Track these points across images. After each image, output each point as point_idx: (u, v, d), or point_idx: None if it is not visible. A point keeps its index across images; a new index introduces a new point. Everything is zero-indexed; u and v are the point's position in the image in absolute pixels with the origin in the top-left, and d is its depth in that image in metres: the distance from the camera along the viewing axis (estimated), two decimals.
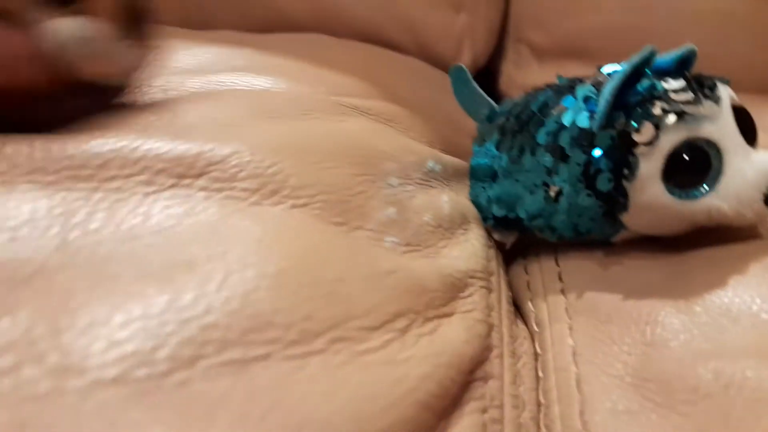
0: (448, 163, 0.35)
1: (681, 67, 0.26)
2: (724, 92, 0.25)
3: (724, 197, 0.24)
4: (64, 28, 0.24)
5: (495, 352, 0.23)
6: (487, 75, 0.68)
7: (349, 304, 0.20)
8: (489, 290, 0.27)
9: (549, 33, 0.63)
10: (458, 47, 0.62)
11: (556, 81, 0.30)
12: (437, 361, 0.19)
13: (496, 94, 0.68)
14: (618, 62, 0.28)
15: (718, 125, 0.24)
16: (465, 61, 0.62)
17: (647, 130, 0.24)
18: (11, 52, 0.23)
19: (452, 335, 0.21)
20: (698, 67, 0.73)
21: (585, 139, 0.25)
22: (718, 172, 0.25)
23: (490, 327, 0.24)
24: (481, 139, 0.33)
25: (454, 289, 0.24)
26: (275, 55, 0.42)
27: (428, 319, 0.22)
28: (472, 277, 0.26)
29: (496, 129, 0.31)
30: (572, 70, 0.67)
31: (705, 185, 0.25)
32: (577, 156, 0.25)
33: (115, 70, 0.26)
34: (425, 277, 0.23)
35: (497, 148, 0.31)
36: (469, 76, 0.35)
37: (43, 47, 0.23)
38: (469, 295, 0.25)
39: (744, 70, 0.59)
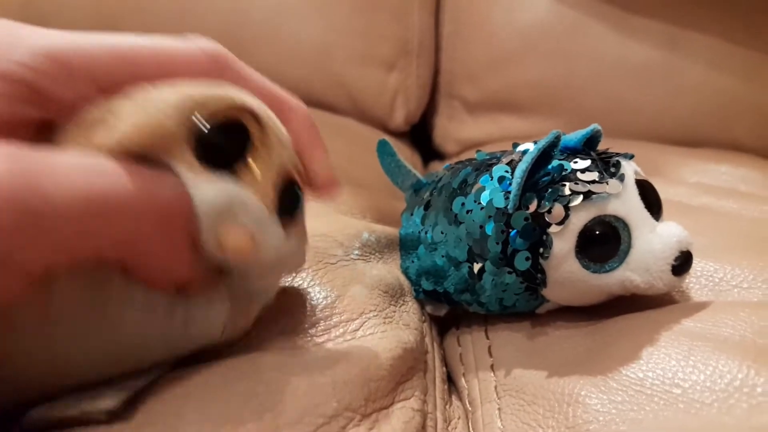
0: (381, 233, 0.36)
1: (587, 145, 0.27)
2: (629, 169, 0.27)
3: (635, 269, 0.26)
4: (212, 194, 0.19)
5: None
6: (422, 129, 0.70)
7: (279, 409, 0.20)
8: (425, 371, 0.27)
9: (479, 88, 0.65)
10: (391, 105, 0.63)
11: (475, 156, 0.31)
12: None
13: (431, 148, 0.69)
14: (531, 142, 0.29)
15: (624, 201, 0.26)
16: (398, 118, 0.63)
17: (558, 211, 0.25)
18: (159, 207, 0.18)
19: None
20: (620, 115, 0.75)
21: (501, 219, 0.26)
22: (628, 245, 0.26)
23: (425, 416, 0.24)
24: (409, 210, 0.34)
25: (398, 374, 0.24)
26: None
27: (366, 416, 0.21)
28: (412, 356, 0.26)
29: (421, 203, 0.32)
30: (504, 122, 0.70)
31: (617, 258, 0.26)
32: (495, 235, 0.26)
33: (269, 258, 0.20)
34: (372, 361, 0.23)
35: (422, 222, 0.31)
36: (394, 150, 0.35)
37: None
38: (408, 380, 0.25)
39: (661, 116, 0.62)
